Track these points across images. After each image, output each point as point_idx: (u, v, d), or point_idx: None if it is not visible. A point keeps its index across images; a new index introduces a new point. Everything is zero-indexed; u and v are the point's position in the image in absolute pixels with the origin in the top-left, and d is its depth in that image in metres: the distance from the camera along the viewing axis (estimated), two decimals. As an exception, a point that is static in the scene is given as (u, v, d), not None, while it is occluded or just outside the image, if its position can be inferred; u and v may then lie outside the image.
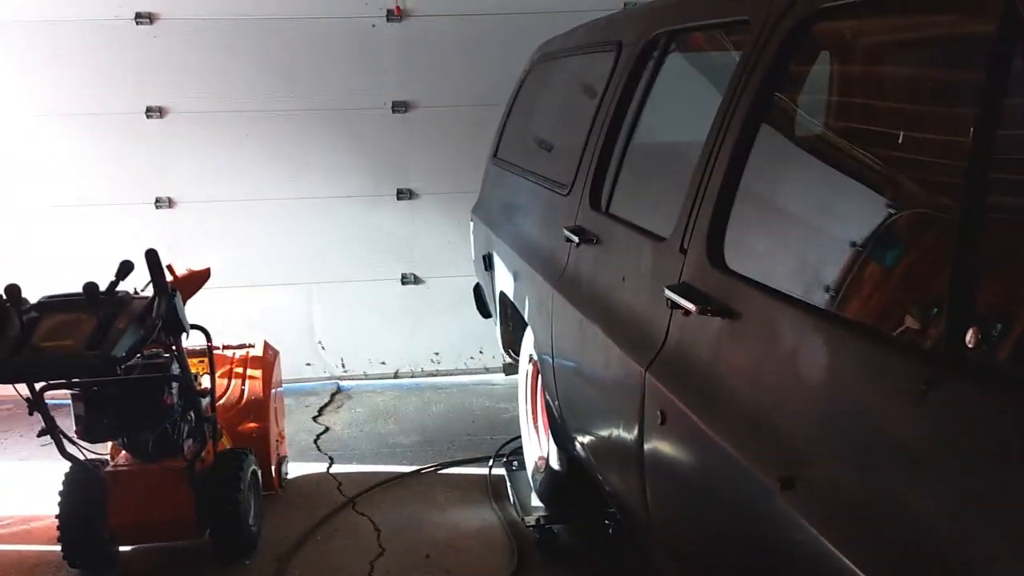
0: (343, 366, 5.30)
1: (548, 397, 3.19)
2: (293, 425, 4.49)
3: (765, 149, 1.85)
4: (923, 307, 1.39)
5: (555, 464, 3.38)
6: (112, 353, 2.71)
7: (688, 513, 1.91)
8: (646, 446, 2.02)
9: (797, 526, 1.36)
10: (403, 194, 5.17)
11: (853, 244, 1.63)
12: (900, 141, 1.63)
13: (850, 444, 1.37)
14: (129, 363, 2.93)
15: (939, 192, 1.50)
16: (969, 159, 1.27)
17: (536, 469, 3.63)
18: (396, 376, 5.33)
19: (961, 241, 1.25)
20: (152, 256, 2.87)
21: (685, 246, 1.96)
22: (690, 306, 1.80)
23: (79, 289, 2.87)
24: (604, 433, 2.46)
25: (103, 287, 2.90)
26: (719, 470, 1.66)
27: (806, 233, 1.79)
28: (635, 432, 2.07)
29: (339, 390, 5.21)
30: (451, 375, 5.34)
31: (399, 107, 5.06)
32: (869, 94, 1.88)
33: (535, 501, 3.61)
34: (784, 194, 1.91)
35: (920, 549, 1.17)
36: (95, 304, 2.83)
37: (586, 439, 2.70)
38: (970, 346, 1.13)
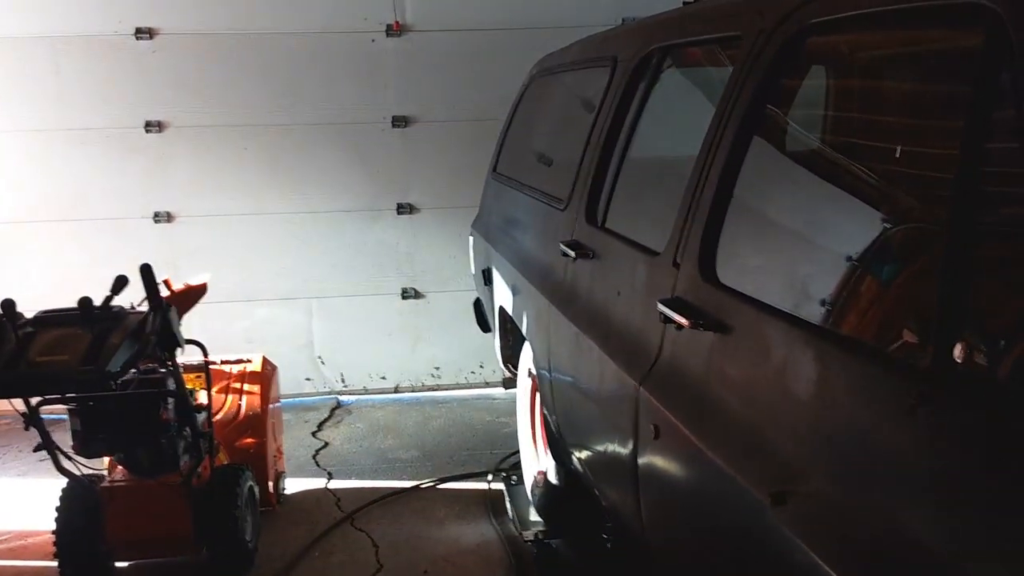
0: (343, 381, 5.29)
1: (546, 411, 3.18)
2: (292, 440, 4.48)
3: (757, 164, 1.85)
4: (914, 322, 1.38)
5: (553, 479, 3.37)
6: (107, 368, 2.70)
7: (681, 527, 1.89)
8: (640, 460, 2.01)
9: (788, 541, 1.35)
10: (403, 208, 5.17)
11: (846, 259, 1.62)
12: (897, 155, 1.63)
13: (841, 460, 1.36)
14: (125, 378, 2.92)
15: (934, 206, 1.50)
16: (956, 172, 1.26)
17: (535, 484, 3.61)
18: (396, 391, 5.32)
19: (949, 255, 1.24)
20: (146, 271, 2.88)
21: (678, 260, 1.95)
22: (682, 320, 1.80)
23: (75, 304, 2.87)
24: (600, 447, 2.45)
25: (99, 302, 2.90)
26: (711, 485, 1.65)
27: (798, 248, 1.78)
28: (629, 446, 2.06)
29: (339, 405, 5.20)
30: (451, 389, 5.33)
31: (399, 122, 5.08)
32: (862, 108, 1.88)
33: (534, 516, 3.59)
34: (776, 208, 1.90)
35: (911, 565, 1.16)
36: (90, 319, 2.83)
37: (583, 453, 2.69)
38: (958, 361, 1.12)
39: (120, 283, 2.91)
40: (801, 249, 1.76)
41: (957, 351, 1.12)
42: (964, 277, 1.21)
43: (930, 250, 1.37)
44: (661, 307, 1.89)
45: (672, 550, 1.98)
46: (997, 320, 1.21)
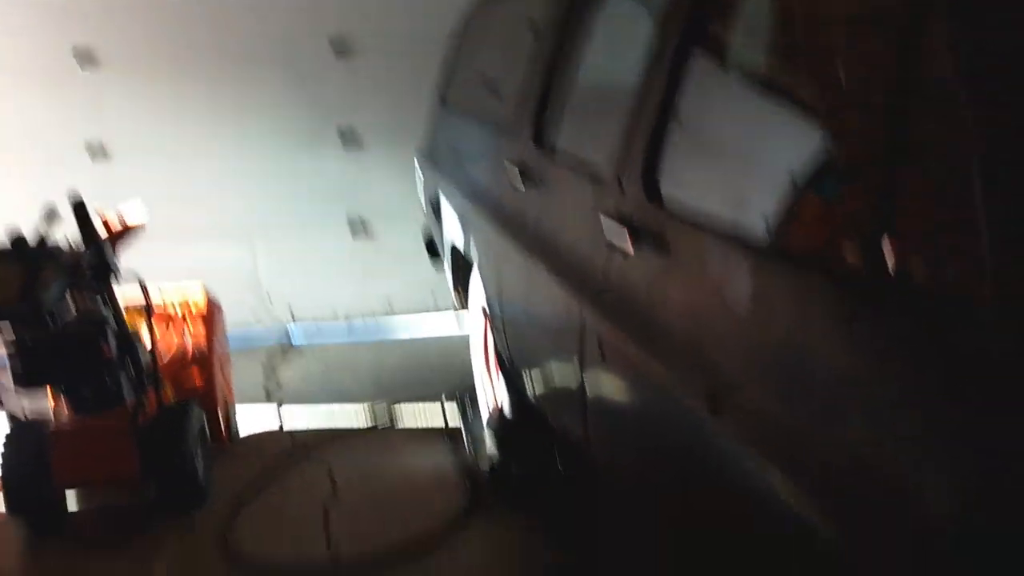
0: (292, 318, 5.22)
1: (497, 342, 3.18)
2: (243, 379, 4.42)
3: (700, 81, 1.82)
4: (855, 238, 1.38)
5: (507, 410, 3.39)
6: (40, 299, 2.65)
7: (626, 443, 1.92)
8: (586, 380, 2.02)
9: (727, 447, 1.37)
10: (347, 138, 5.04)
11: (787, 175, 1.61)
12: (840, 73, 1.61)
13: (781, 371, 1.37)
14: (64, 316, 2.86)
15: (875, 123, 1.48)
16: (895, 88, 1.25)
17: (490, 417, 3.63)
18: (347, 319, 5.24)
19: (887, 169, 1.24)
20: (79, 206, 2.80)
21: (623, 182, 1.93)
22: (627, 242, 1.78)
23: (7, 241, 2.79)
24: (550, 374, 2.46)
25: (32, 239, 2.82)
26: (653, 399, 1.66)
27: (740, 165, 1.77)
28: (577, 369, 2.07)
29: (290, 343, 5.14)
30: (405, 314, 5.24)
31: (340, 47, 4.89)
32: (806, 23, 1.85)
33: (490, 447, 3.61)
34: (719, 126, 1.88)
35: (852, 471, 1.17)
36: (23, 255, 2.76)
37: (535, 383, 2.70)
38: (890, 266, 1.12)
39: (50, 216, 2.83)
40: (743, 167, 1.75)
41: (886, 248, 1.11)
42: (901, 190, 1.21)
43: (871, 166, 1.36)
44: (606, 228, 1.87)
45: (618, 465, 2.01)
46: (931, 230, 1.21)
